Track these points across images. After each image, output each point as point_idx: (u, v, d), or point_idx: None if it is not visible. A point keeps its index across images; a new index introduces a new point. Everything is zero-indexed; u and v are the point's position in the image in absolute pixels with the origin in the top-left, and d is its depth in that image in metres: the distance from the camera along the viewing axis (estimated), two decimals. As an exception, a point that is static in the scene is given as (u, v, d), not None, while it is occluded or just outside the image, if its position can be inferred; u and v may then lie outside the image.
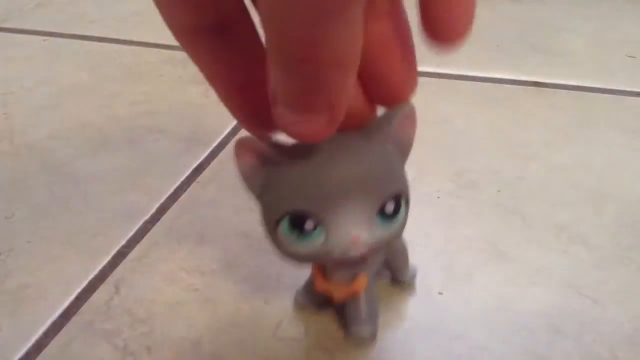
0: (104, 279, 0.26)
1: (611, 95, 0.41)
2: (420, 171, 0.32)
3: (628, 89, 0.42)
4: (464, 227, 0.29)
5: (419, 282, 0.25)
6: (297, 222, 0.17)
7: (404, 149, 0.19)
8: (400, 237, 0.22)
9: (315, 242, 0.17)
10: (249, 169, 0.18)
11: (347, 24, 0.12)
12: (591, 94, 0.41)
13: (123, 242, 0.28)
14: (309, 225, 0.17)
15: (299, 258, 0.18)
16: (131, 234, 0.29)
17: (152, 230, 0.29)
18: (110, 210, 0.30)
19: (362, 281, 0.21)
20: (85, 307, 0.25)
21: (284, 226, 0.17)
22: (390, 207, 0.17)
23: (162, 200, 0.31)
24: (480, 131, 0.37)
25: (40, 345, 0.23)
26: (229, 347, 0.23)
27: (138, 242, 0.28)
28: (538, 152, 0.35)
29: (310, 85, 0.14)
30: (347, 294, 0.22)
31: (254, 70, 0.16)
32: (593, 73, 0.44)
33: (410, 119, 0.18)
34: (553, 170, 0.33)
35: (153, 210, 0.30)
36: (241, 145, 0.18)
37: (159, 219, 0.30)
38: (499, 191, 0.31)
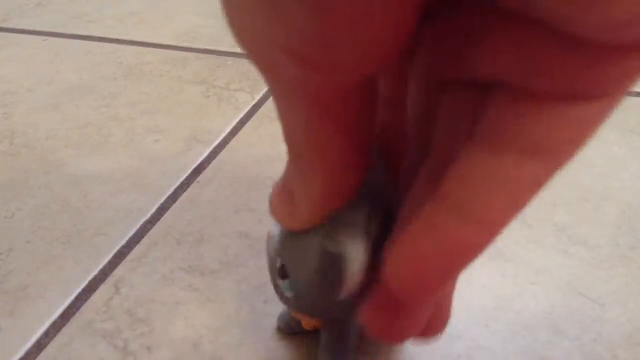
0: (104, 279, 0.26)
1: (611, 95, 0.41)
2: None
3: (628, 89, 0.42)
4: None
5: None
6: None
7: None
8: None
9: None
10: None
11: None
12: (591, 94, 0.41)
13: (123, 242, 0.28)
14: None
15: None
16: (131, 234, 0.29)
17: (152, 230, 0.29)
18: (110, 210, 0.30)
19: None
20: (85, 307, 0.25)
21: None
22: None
23: (162, 200, 0.31)
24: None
25: (40, 345, 0.23)
26: (229, 347, 0.23)
27: (138, 242, 0.28)
28: (538, 152, 0.35)
29: (291, 167, 0.14)
30: (312, 325, 0.22)
31: None
32: (593, 73, 0.44)
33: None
34: (553, 170, 0.33)
35: (153, 210, 0.30)
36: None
37: (159, 219, 0.30)
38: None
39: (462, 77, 0.12)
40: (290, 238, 0.17)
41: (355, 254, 0.15)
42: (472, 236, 0.11)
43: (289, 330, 0.23)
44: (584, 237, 0.28)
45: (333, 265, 0.16)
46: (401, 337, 0.14)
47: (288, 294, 0.18)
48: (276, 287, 0.18)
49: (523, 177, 0.11)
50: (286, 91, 0.11)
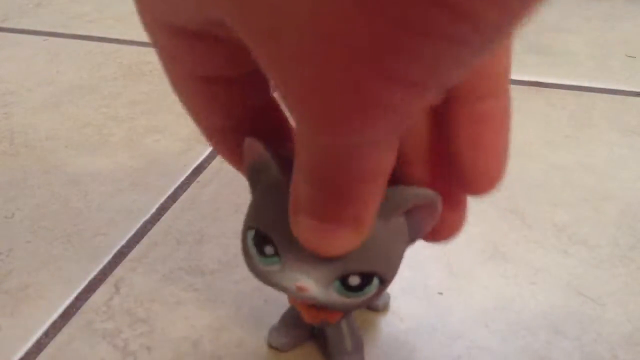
0: (104, 279, 0.26)
1: (611, 95, 0.41)
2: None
3: (628, 88, 0.42)
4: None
5: (419, 282, 0.25)
6: (259, 241, 0.17)
7: (413, 235, 0.17)
8: None
9: (273, 267, 0.17)
10: (254, 164, 0.18)
11: (375, 146, 0.12)
12: (591, 93, 0.41)
13: (123, 242, 0.28)
14: (268, 250, 0.17)
15: (258, 274, 0.17)
16: (131, 234, 0.29)
17: (152, 230, 0.29)
18: (110, 210, 0.30)
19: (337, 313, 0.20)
20: (85, 307, 0.25)
21: (250, 235, 0.17)
22: (354, 281, 0.16)
23: (162, 200, 0.31)
24: (480, 131, 0.37)
25: (40, 345, 0.23)
26: (229, 347, 0.23)
27: (138, 242, 0.28)
28: (538, 151, 0.35)
29: (337, 198, 0.13)
30: (319, 318, 0.21)
31: None
32: (593, 73, 0.44)
33: (430, 210, 0.16)
34: (553, 170, 0.33)
35: (153, 210, 0.30)
36: (248, 145, 0.17)
37: (159, 219, 0.30)
38: (498, 191, 0.31)
39: None
40: (359, 248, 0.15)
41: (431, 193, 0.16)
42: (506, 105, 0.15)
43: (284, 346, 0.23)
44: (584, 237, 0.28)
45: (422, 214, 0.16)
46: (458, 230, 0.17)
47: (373, 291, 0.17)
48: (351, 305, 0.17)
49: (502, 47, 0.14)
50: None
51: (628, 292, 0.25)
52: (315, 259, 0.16)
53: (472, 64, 0.10)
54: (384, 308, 0.24)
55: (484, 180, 0.15)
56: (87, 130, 0.37)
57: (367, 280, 0.16)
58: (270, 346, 0.23)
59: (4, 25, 0.54)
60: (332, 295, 0.16)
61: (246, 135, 0.17)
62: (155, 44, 0.15)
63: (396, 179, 0.16)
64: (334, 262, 0.16)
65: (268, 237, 0.16)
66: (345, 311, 0.18)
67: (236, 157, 0.18)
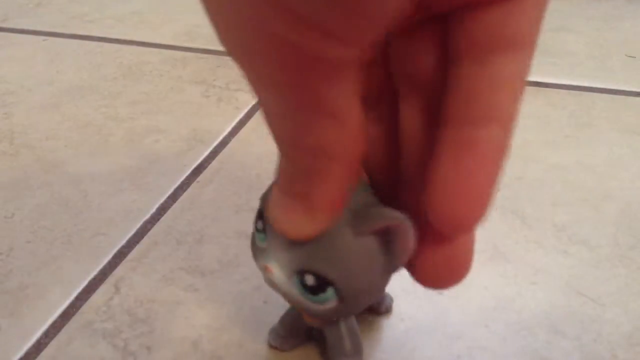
0: (104, 279, 0.26)
1: (611, 95, 0.41)
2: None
3: (628, 88, 0.42)
4: (464, 227, 0.29)
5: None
6: (257, 215, 0.18)
7: (390, 261, 0.17)
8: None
9: (262, 245, 0.17)
10: None
11: (324, 115, 0.12)
12: (591, 93, 0.41)
13: (123, 242, 0.28)
14: (259, 224, 0.17)
15: (252, 249, 0.18)
16: (131, 234, 0.29)
17: (152, 230, 0.29)
18: (110, 210, 0.30)
19: None
20: (85, 307, 0.25)
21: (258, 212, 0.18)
22: (309, 280, 0.16)
23: (162, 200, 0.31)
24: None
25: (40, 345, 0.23)
26: (229, 347, 0.23)
27: (138, 242, 0.28)
28: (538, 152, 0.35)
29: (291, 170, 0.14)
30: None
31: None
32: (593, 73, 0.44)
33: (402, 235, 0.15)
34: (553, 170, 0.33)
35: (153, 210, 0.30)
36: None
37: (159, 219, 0.30)
38: (498, 191, 0.31)
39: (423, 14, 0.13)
40: (319, 247, 0.16)
41: (401, 217, 0.15)
42: (498, 136, 0.13)
43: (283, 345, 0.23)
44: (584, 237, 0.28)
45: (393, 239, 0.16)
46: (460, 274, 0.16)
47: (330, 304, 0.17)
48: (308, 308, 0.17)
49: (512, 72, 0.13)
50: (303, 79, 0.12)
51: (628, 292, 0.25)
52: (285, 246, 0.16)
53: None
54: (387, 311, 0.24)
55: (455, 215, 0.13)
56: (87, 130, 0.37)
57: (321, 285, 0.16)
58: (270, 346, 0.23)
59: (4, 25, 0.54)
60: (292, 289, 0.17)
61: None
62: None
63: (385, 201, 0.16)
64: (296, 254, 0.16)
65: (261, 212, 0.17)
66: (312, 315, 0.18)
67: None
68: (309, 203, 0.14)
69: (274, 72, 0.12)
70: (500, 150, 0.13)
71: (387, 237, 0.16)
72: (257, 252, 0.18)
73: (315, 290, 0.16)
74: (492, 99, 0.13)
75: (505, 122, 0.13)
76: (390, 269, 0.17)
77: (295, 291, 0.17)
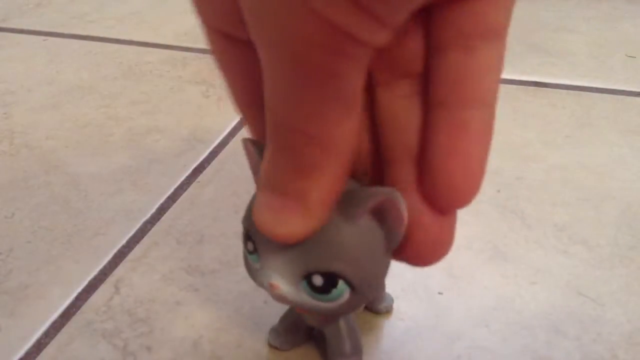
0: (104, 279, 0.26)
1: (611, 95, 0.41)
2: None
3: (628, 88, 0.42)
4: (464, 227, 0.29)
5: (419, 282, 0.25)
6: (245, 238, 0.17)
7: (390, 242, 0.16)
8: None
9: (256, 265, 0.17)
10: (253, 166, 0.18)
11: (338, 104, 0.13)
12: (591, 93, 0.41)
13: (123, 242, 0.28)
14: (250, 246, 0.17)
15: (248, 271, 0.18)
16: (131, 234, 0.29)
17: (152, 230, 0.29)
18: (110, 210, 0.30)
19: None
20: (85, 307, 0.25)
21: (243, 233, 0.17)
22: (317, 281, 0.16)
23: (162, 200, 0.31)
24: (480, 131, 0.37)
25: (40, 345, 0.23)
26: (229, 347, 0.23)
27: (138, 242, 0.28)
28: (538, 152, 0.35)
29: (284, 166, 0.14)
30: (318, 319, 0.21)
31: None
32: (593, 73, 0.44)
33: (395, 210, 0.15)
34: (553, 170, 0.33)
35: (153, 210, 0.30)
36: (245, 143, 0.17)
37: (159, 219, 0.30)
38: (498, 191, 0.31)
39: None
40: (316, 244, 0.15)
41: (388, 190, 0.15)
42: (486, 115, 0.14)
43: (283, 345, 0.23)
44: (584, 237, 0.28)
45: (386, 214, 0.16)
46: (445, 251, 0.16)
47: (344, 297, 0.16)
48: (325, 309, 0.17)
49: (494, 57, 0.14)
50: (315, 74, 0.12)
51: (628, 292, 0.25)
52: (282, 256, 0.16)
53: None
54: (387, 311, 0.24)
55: (454, 190, 0.15)
56: (87, 130, 0.37)
57: (331, 281, 0.16)
58: (270, 346, 0.23)
59: (4, 25, 0.54)
60: (302, 295, 0.16)
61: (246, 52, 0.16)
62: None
63: (380, 179, 0.16)
64: (297, 259, 0.16)
65: (248, 234, 0.17)
66: (325, 315, 0.18)
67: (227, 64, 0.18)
68: (305, 200, 0.14)
69: (300, 51, 0.12)
70: (489, 128, 0.15)
71: (380, 215, 0.16)
72: (254, 273, 0.17)
73: (326, 288, 0.16)
74: (479, 83, 0.14)
75: (491, 103, 0.15)
76: (391, 245, 0.17)
77: (307, 297, 0.16)
